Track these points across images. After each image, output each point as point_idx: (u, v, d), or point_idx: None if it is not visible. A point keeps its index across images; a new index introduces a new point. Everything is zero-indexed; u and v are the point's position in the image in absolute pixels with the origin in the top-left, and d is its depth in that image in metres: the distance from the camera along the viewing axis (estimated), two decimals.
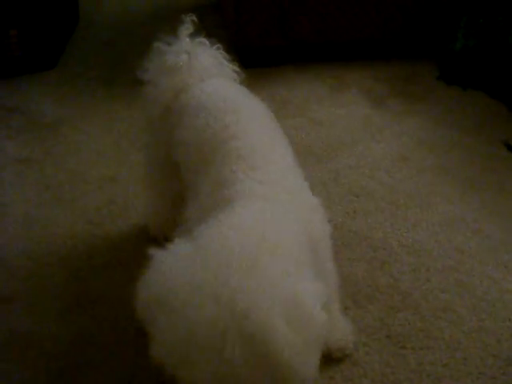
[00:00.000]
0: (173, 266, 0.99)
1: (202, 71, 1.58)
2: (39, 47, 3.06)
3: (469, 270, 1.75)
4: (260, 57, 2.89)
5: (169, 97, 1.57)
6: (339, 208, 1.99)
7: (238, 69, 1.68)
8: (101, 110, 2.74)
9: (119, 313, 1.66)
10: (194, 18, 1.64)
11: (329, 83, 2.82)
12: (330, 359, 1.48)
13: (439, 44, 2.85)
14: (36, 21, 3.01)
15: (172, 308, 0.94)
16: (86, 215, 2.04)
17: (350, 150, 2.30)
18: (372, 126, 2.45)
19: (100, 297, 1.73)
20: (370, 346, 1.52)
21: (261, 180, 1.22)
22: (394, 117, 2.52)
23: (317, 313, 0.95)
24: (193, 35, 1.63)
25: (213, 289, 0.93)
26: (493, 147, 2.29)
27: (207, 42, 1.65)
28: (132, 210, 2.04)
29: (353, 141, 2.36)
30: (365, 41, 2.95)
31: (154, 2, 4.08)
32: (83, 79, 3.04)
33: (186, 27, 1.63)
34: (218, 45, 1.66)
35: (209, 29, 1.71)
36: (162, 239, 1.69)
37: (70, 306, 1.73)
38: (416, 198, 2.03)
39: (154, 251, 1.02)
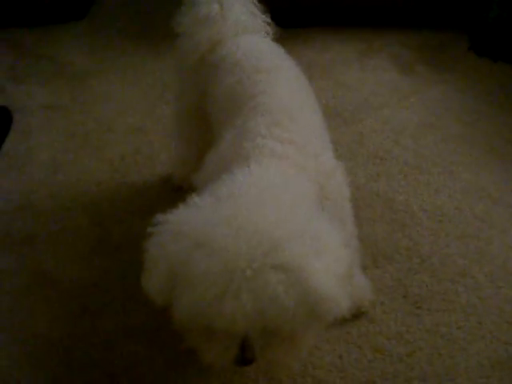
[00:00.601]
0: (199, 212, 1.04)
1: (235, 22, 1.58)
2: None
3: (488, 238, 1.75)
4: (289, 17, 2.86)
5: (204, 48, 1.58)
6: (363, 170, 1.99)
7: (269, 21, 1.67)
8: (129, 62, 2.74)
9: (140, 258, 1.69)
10: None
11: (358, 47, 2.80)
12: (344, 316, 1.51)
13: (472, 14, 2.81)
14: None
15: (208, 245, 0.97)
16: (111, 163, 2.07)
17: (376, 113, 2.29)
18: (399, 92, 2.44)
19: (122, 242, 1.77)
20: (387, 305, 1.55)
21: (282, 138, 1.23)
22: (422, 84, 2.50)
23: (341, 250, 1.01)
24: None
25: (246, 222, 0.97)
26: None
27: None
28: (157, 161, 2.07)
29: (379, 105, 2.35)
30: (396, 7, 2.91)
31: None
32: (112, 31, 3.04)
33: None
34: None
35: None
36: (186, 188, 1.71)
37: (92, 249, 1.76)
38: (439, 165, 2.02)
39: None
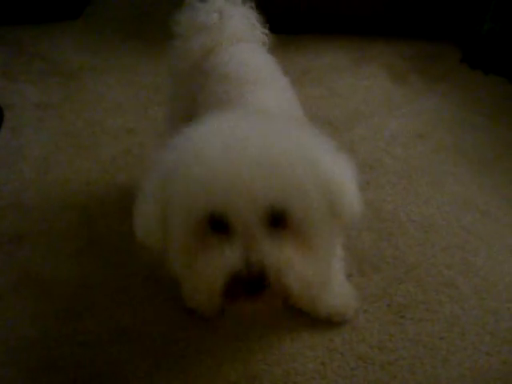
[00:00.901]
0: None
1: (232, 32, 1.58)
2: None
3: (474, 249, 1.76)
4: (284, 24, 2.88)
5: (198, 55, 1.58)
6: None
7: (268, 32, 1.69)
8: (123, 62, 2.75)
9: (128, 259, 1.70)
10: None
11: (351, 56, 2.82)
12: (330, 323, 1.52)
13: (465, 26, 2.83)
14: None
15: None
16: (101, 163, 2.07)
17: (367, 122, 2.31)
18: (391, 101, 2.45)
19: (110, 243, 1.77)
20: (371, 313, 1.55)
21: None
22: (414, 94, 2.52)
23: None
24: None
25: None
26: (510, 133, 2.28)
27: (239, 2, 1.65)
28: (147, 162, 2.07)
29: (370, 114, 2.36)
30: (390, 17, 2.93)
31: None
32: (107, 31, 3.04)
33: None
34: (251, 4, 1.67)
35: None
36: None
37: (80, 249, 1.76)
38: (429, 176, 2.03)
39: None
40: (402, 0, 2.81)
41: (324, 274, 1.04)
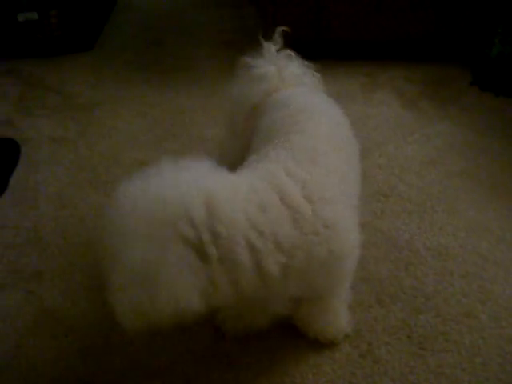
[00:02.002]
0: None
1: (290, 78, 1.69)
2: (78, 28, 3.13)
3: (492, 277, 1.76)
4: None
5: (258, 99, 1.65)
6: (367, 207, 2.01)
7: (320, 78, 1.81)
8: (135, 94, 2.78)
9: None
10: (284, 29, 1.77)
11: (361, 81, 2.84)
12: (350, 354, 1.52)
13: (474, 49, 2.85)
14: (76, 1, 3.06)
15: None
16: None
17: (381, 149, 2.32)
18: (403, 127, 2.47)
19: None
20: (392, 345, 1.55)
21: (291, 172, 1.25)
22: (425, 119, 2.53)
23: None
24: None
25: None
26: None
27: (293, 55, 1.75)
28: None
29: (383, 141, 2.38)
30: (399, 41, 2.95)
31: None
32: (119, 62, 3.09)
33: (275, 41, 1.74)
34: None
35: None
36: None
37: (99, 285, 1.76)
38: (443, 202, 2.04)
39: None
40: (410, 24, 2.83)
41: None
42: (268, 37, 1.76)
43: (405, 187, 2.11)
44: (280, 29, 1.75)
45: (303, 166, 1.27)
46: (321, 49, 2.97)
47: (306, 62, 1.78)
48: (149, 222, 1.03)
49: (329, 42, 2.94)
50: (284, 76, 1.68)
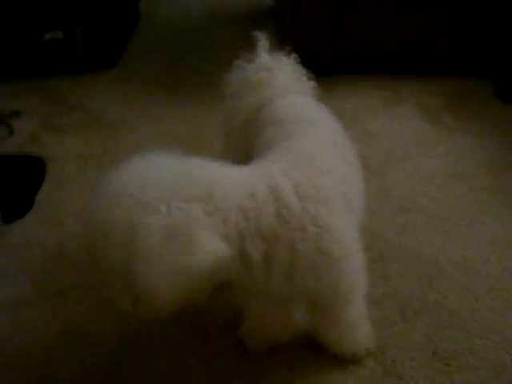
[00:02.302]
0: None
1: (282, 86, 1.65)
2: (101, 46, 3.17)
3: None
4: (314, 66, 2.91)
5: (251, 111, 1.64)
6: (390, 222, 2.01)
7: (314, 83, 1.75)
8: (158, 111, 2.81)
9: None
10: (266, 34, 1.70)
11: (383, 95, 2.84)
12: (374, 371, 1.52)
13: (496, 61, 2.84)
14: (100, 19, 3.11)
15: None
16: None
17: (404, 164, 2.32)
18: (426, 141, 2.46)
19: None
20: (417, 361, 1.54)
21: (287, 174, 1.27)
22: (449, 133, 2.52)
23: None
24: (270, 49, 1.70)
25: None
26: None
27: (285, 58, 1.71)
28: None
29: (406, 155, 2.37)
30: (420, 55, 2.95)
31: (212, 5, 4.16)
32: (142, 79, 3.12)
33: (263, 43, 1.69)
34: (295, 56, 1.73)
35: (269, 34, 1.77)
36: None
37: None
38: (467, 217, 2.03)
39: None
40: (431, 37, 2.83)
41: None
42: (287, 50, 1.75)
43: (428, 202, 2.10)
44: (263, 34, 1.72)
45: (299, 167, 1.30)
46: (341, 63, 2.98)
47: (300, 66, 1.75)
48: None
49: (349, 57, 2.95)
50: (275, 82, 1.65)
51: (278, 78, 1.64)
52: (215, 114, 2.71)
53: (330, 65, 2.96)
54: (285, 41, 2.98)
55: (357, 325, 1.53)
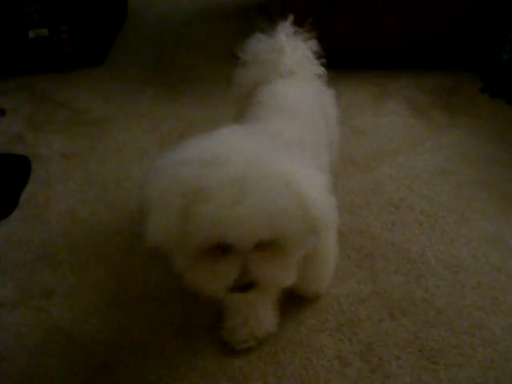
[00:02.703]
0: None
1: (285, 67, 1.75)
2: (88, 43, 3.14)
3: (505, 288, 1.74)
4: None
5: (250, 85, 1.77)
6: (378, 219, 2.00)
7: (322, 67, 1.89)
8: (145, 108, 2.79)
9: (157, 312, 1.71)
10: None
11: (371, 91, 2.83)
12: (361, 369, 1.50)
13: (484, 56, 2.84)
14: (86, 16, 3.08)
15: (215, 161, 1.14)
16: (128, 213, 2.09)
17: (391, 160, 2.31)
18: (414, 137, 2.45)
19: (139, 295, 1.77)
20: (403, 360, 1.53)
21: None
22: (436, 128, 2.51)
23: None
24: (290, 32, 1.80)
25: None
26: None
27: (302, 43, 1.83)
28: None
29: (394, 151, 2.36)
30: (409, 50, 2.94)
31: (201, 1, 4.13)
32: (129, 77, 3.10)
33: (285, 24, 1.80)
34: (314, 40, 1.85)
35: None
36: None
37: (110, 302, 1.77)
38: (455, 213, 2.02)
39: None
40: (421, 32, 2.81)
41: (292, 276, 1.28)
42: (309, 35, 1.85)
43: (415, 198, 2.09)
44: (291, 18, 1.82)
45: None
46: (331, 59, 2.95)
47: (315, 48, 1.86)
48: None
49: (339, 52, 2.93)
50: (281, 63, 1.74)
51: (285, 61, 1.74)
52: (204, 110, 2.71)
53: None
54: None
55: (327, 266, 1.62)
